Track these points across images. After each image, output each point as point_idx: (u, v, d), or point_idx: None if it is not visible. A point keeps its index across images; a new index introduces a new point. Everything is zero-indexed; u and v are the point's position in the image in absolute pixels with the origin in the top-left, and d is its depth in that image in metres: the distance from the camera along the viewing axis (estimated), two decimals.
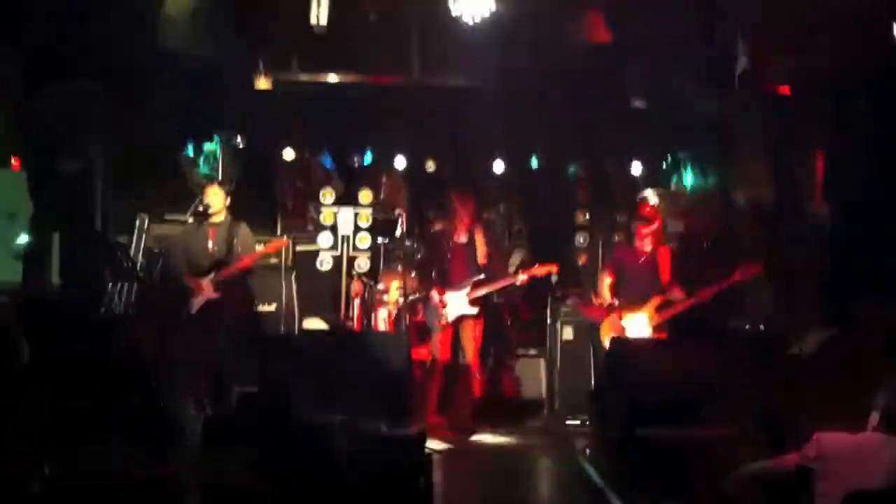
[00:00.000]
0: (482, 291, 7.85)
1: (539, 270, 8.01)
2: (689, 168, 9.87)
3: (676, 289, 7.61)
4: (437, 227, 8.76)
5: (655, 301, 7.53)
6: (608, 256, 8.85)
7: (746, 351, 7.63)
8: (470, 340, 7.83)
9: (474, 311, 7.82)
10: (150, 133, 8.44)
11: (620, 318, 7.57)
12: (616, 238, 9.81)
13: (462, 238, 7.95)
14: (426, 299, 8.08)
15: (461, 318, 7.82)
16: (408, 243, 9.25)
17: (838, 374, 6.14)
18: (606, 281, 7.82)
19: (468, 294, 7.80)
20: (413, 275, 8.88)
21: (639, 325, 7.53)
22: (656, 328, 7.53)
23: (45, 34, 7.23)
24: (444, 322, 7.80)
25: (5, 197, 9.63)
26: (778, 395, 6.05)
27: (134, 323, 7.63)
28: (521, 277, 7.96)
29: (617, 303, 7.66)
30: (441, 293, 7.82)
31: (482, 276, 7.87)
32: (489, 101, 8.73)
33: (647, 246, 7.71)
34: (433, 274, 8.02)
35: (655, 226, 7.75)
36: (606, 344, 7.45)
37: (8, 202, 9.55)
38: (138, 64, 7.54)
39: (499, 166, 9.95)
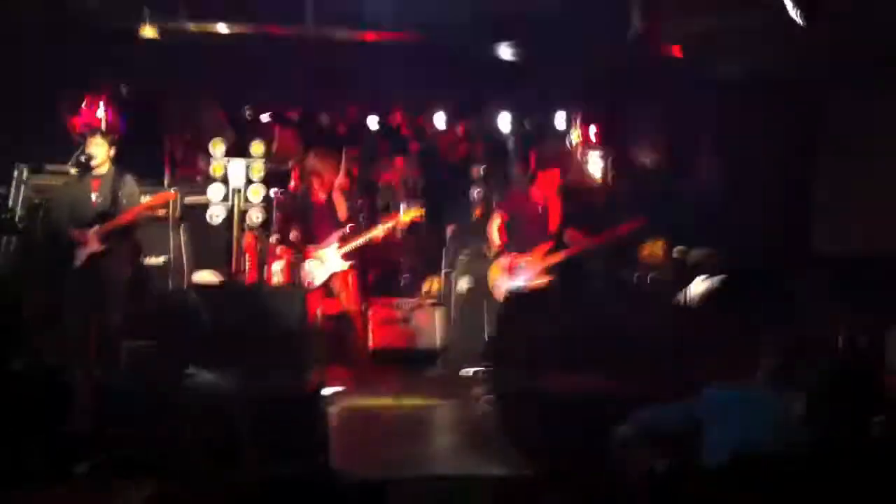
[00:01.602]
0: (351, 245, 7.93)
1: (404, 216, 8.29)
2: (580, 123, 10.02)
3: (570, 232, 7.80)
4: (291, 186, 8.79)
5: (544, 246, 7.71)
6: (501, 201, 8.93)
7: (635, 299, 7.91)
8: (348, 293, 7.97)
9: (347, 264, 7.92)
10: (30, 81, 8.07)
11: (509, 263, 7.75)
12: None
13: (321, 197, 8.05)
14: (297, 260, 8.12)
15: (335, 274, 7.91)
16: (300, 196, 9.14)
17: (724, 324, 6.37)
18: (496, 223, 8.00)
19: (337, 250, 7.89)
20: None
21: (527, 268, 7.69)
22: (543, 272, 7.71)
23: None
24: (320, 280, 7.88)
25: None
26: (666, 346, 6.24)
27: (15, 278, 7.35)
28: (388, 225, 8.18)
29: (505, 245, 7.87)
30: (306, 255, 7.90)
31: (346, 231, 7.98)
32: (384, 53, 8.64)
33: (541, 194, 7.90)
34: (292, 234, 8.07)
35: (555, 175, 7.95)
36: (494, 288, 7.71)
37: None
38: (23, 10, 7.17)
39: (394, 120, 9.91)
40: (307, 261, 7.93)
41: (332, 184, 8.06)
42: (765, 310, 6.03)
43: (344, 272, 7.92)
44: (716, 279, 7.70)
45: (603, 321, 6.60)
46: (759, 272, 7.24)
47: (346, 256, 7.92)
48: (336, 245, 7.91)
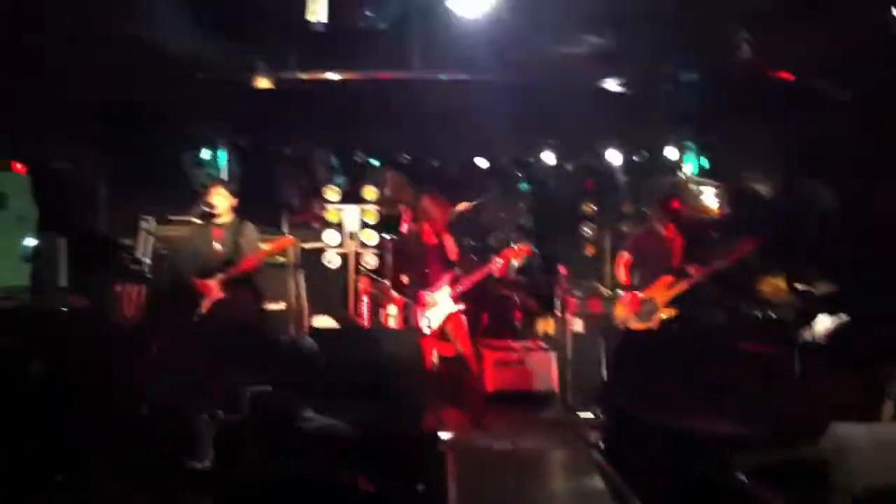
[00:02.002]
0: (462, 286, 7.87)
1: (513, 254, 8.07)
2: (692, 155, 9.86)
3: (688, 266, 7.85)
4: (405, 229, 8.79)
5: (666, 280, 7.75)
6: (624, 242, 8.85)
7: (756, 339, 7.68)
8: (460, 335, 7.86)
9: (458, 307, 7.86)
10: (153, 135, 8.42)
11: (632, 300, 7.81)
12: (624, 228, 9.83)
13: (432, 240, 7.99)
14: (409, 305, 8.05)
15: (448, 316, 7.85)
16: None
17: (849, 362, 6.13)
18: (623, 261, 8.11)
19: (450, 293, 7.84)
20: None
21: (649, 304, 7.71)
22: (666, 305, 7.72)
23: (49, 38, 7.18)
24: (435, 325, 7.82)
25: (14, 200, 9.67)
26: (790, 385, 6.04)
27: (144, 329, 7.64)
28: (497, 264, 7.96)
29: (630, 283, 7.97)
30: (421, 303, 7.84)
31: (457, 273, 7.93)
32: (491, 95, 8.69)
33: (665, 229, 8.03)
34: (406, 278, 8.06)
35: (676, 215, 8.05)
36: (621, 326, 7.78)
37: (17, 206, 9.58)
38: (140, 67, 7.50)
39: (502, 160, 9.96)
40: (421, 304, 7.90)
41: (443, 226, 8.06)
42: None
43: (455, 314, 7.88)
44: (841, 316, 7.45)
45: (723, 359, 6.45)
46: (886, 308, 6.92)
47: (458, 298, 7.88)
48: (448, 287, 7.89)
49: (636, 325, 7.82)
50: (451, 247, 8.00)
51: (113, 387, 4.79)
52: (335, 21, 6.82)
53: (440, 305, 7.83)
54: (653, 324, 7.72)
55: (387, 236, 9.66)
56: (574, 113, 9.04)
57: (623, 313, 7.91)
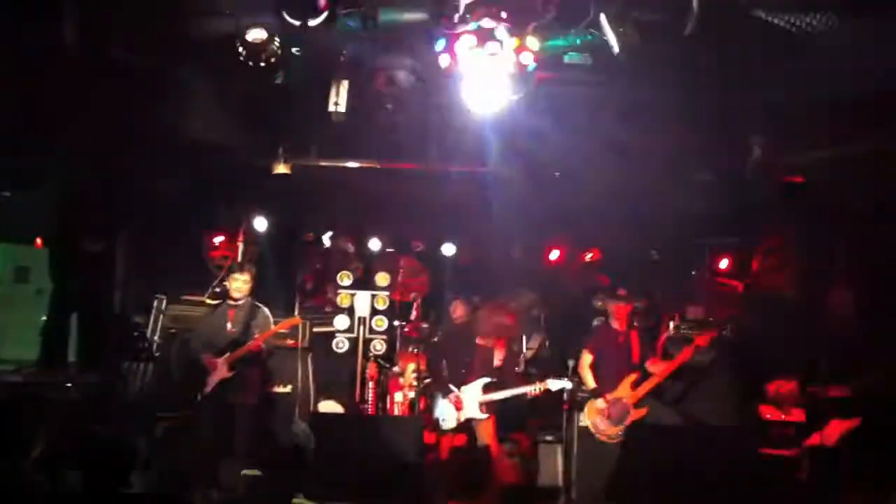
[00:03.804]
0: (494, 396, 7.66)
1: (552, 385, 7.66)
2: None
3: (653, 361, 7.83)
4: (461, 319, 8.68)
5: (630, 378, 7.66)
6: (588, 337, 8.75)
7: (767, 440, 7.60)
8: (486, 438, 7.65)
9: (484, 416, 7.65)
10: (170, 216, 8.56)
11: (605, 399, 7.68)
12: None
13: (487, 343, 7.79)
14: (435, 394, 7.90)
15: (471, 420, 7.67)
16: (424, 326, 9.28)
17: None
18: (587, 360, 7.90)
19: (481, 398, 7.64)
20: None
21: (620, 403, 7.63)
22: (636, 406, 7.61)
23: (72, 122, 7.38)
24: (451, 423, 7.66)
25: (34, 274, 9.81)
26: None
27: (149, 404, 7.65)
28: (535, 389, 7.64)
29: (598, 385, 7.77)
30: (458, 399, 7.65)
31: (494, 380, 7.69)
32: (506, 188, 8.81)
33: (620, 325, 7.92)
34: (444, 367, 7.91)
35: (629, 307, 7.96)
36: (588, 426, 7.71)
37: (37, 280, 9.71)
38: (160, 149, 7.69)
39: (517, 252, 10.02)
40: (444, 400, 7.71)
41: (503, 337, 7.81)
42: None
43: (483, 421, 7.64)
44: (854, 421, 7.36)
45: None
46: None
47: (486, 407, 7.65)
48: (479, 392, 7.64)
49: (609, 429, 7.67)
50: (499, 352, 7.79)
51: (113, 461, 4.77)
52: (355, 113, 7.01)
53: (466, 407, 7.63)
54: (624, 426, 7.56)
55: (397, 323, 9.68)
56: (587, 208, 9.13)
57: (594, 417, 7.72)
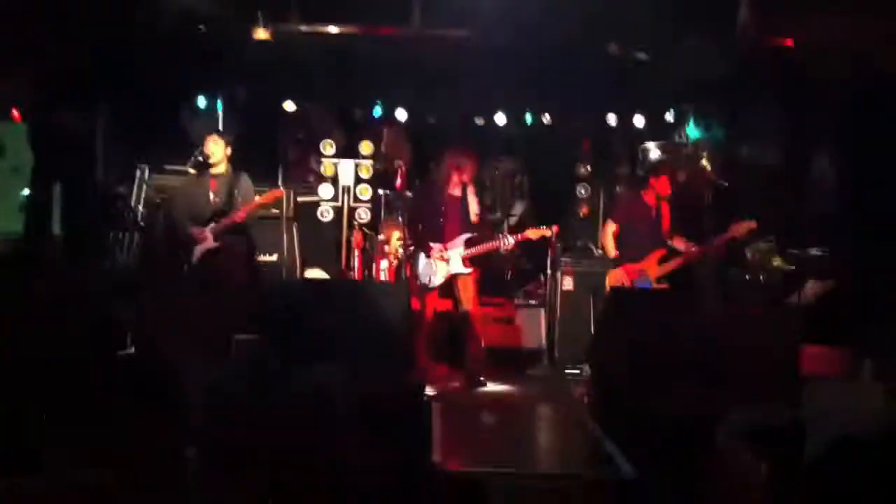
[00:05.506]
0: (474, 251, 7.70)
1: (532, 234, 7.80)
2: (691, 121, 9.84)
3: (678, 239, 7.72)
4: (430, 178, 8.67)
5: (657, 254, 7.63)
6: (612, 206, 8.83)
7: (746, 302, 7.74)
8: (469, 297, 7.73)
9: (468, 270, 7.71)
10: (149, 85, 8.41)
11: (625, 270, 7.68)
12: (617, 189, 9.86)
13: (456, 192, 7.78)
14: (417, 254, 7.88)
15: (456, 276, 7.74)
16: (408, 194, 9.27)
17: (833, 323, 6.18)
18: (610, 229, 7.91)
19: (463, 253, 7.69)
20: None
21: (642, 277, 7.64)
22: (658, 280, 7.65)
23: None
24: (439, 280, 7.70)
25: (10, 150, 9.68)
26: (776, 346, 6.10)
27: (135, 273, 7.68)
28: (511, 241, 7.76)
29: (620, 254, 7.78)
30: (444, 248, 7.70)
31: (474, 235, 7.74)
32: (490, 53, 8.67)
33: (653, 199, 7.80)
34: (421, 227, 7.92)
35: (666, 182, 7.82)
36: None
37: (12, 155, 9.60)
38: (138, 18, 7.49)
39: (500, 119, 9.95)
40: (429, 258, 7.73)
41: (471, 179, 7.81)
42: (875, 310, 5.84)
43: (466, 276, 7.71)
44: (830, 282, 7.51)
45: (710, 323, 6.49)
46: (871, 274, 6.98)
47: (469, 261, 7.70)
48: (462, 248, 7.70)
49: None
50: (473, 205, 7.78)
51: (102, 328, 4.85)
52: None
53: (451, 263, 7.69)
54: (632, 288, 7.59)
55: (381, 192, 9.69)
56: (574, 74, 9.02)
57: (612, 285, 7.72)
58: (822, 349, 6.24)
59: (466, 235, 7.72)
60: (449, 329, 8.03)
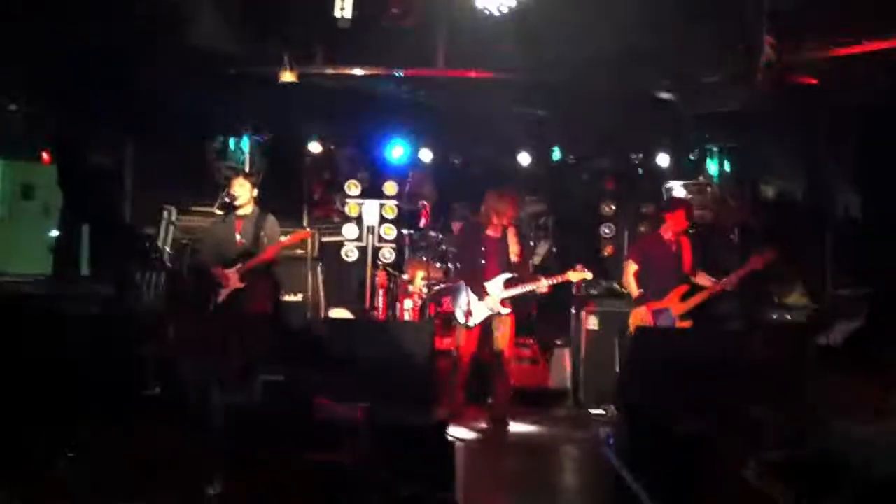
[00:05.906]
0: (513, 292, 7.73)
1: (573, 276, 7.83)
2: (714, 159, 9.83)
3: (702, 275, 7.69)
4: (472, 219, 8.67)
5: (680, 290, 7.58)
6: (633, 245, 8.83)
7: (772, 341, 7.67)
8: (504, 337, 7.73)
9: (507, 310, 7.72)
10: (177, 127, 8.52)
11: (648, 309, 7.63)
12: (641, 229, 9.85)
13: (496, 234, 7.81)
14: (455, 291, 7.90)
15: (493, 316, 7.73)
16: (432, 234, 9.33)
17: (863, 366, 6.10)
18: (631, 269, 7.86)
19: (503, 294, 7.69)
20: (439, 265, 8.90)
21: (665, 314, 7.58)
22: (682, 317, 7.60)
23: (74, 32, 7.30)
24: (478, 319, 7.67)
25: (40, 191, 9.85)
26: (804, 386, 6.03)
27: (162, 314, 7.73)
28: (549, 283, 7.80)
29: (643, 293, 7.72)
30: (483, 290, 7.66)
31: (514, 276, 7.76)
32: (515, 93, 8.73)
33: (671, 235, 7.78)
34: (462, 267, 7.95)
35: (682, 216, 7.79)
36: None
37: (42, 197, 9.75)
38: (164, 60, 7.60)
39: (524, 159, 9.98)
40: (468, 296, 7.67)
41: (510, 222, 7.80)
42: None
43: (505, 317, 7.71)
44: (860, 322, 7.43)
45: (740, 362, 6.45)
46: None
47: (506, 302, 7.71)
48: (501, 288, 7.70)
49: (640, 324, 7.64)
50: (514, 246, 7.80)
51: (128, 368, 4.88)
52: (361, 17, 6.91)
53: (491, 302, 7.68)
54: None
55: (406, 231, 9.74)
56: (598, 113, 9.05)
57: (636, 324, 7.68)
58: (850, 387, 6.17)
59: (506, 276, 7.73)
60: (479, 369, 7.99)
